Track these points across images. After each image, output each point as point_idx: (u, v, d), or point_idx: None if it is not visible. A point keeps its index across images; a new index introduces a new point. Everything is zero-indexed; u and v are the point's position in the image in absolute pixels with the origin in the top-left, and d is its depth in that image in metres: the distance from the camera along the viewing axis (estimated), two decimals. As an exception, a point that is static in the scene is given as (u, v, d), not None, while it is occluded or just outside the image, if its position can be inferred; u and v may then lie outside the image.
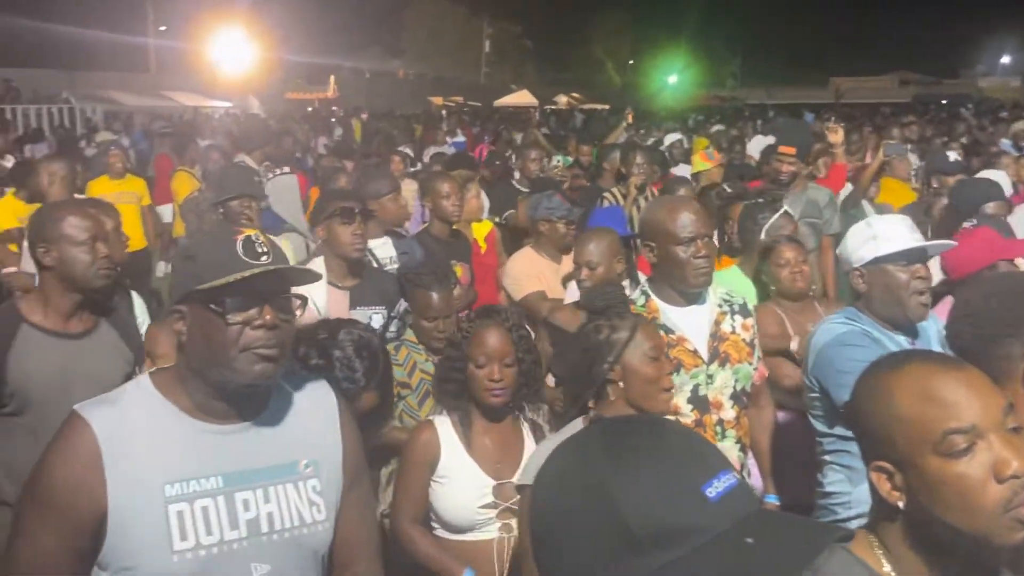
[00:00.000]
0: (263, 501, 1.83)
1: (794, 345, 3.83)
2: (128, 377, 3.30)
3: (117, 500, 1.72)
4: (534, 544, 1.15)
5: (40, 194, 5.73)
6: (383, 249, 4.68)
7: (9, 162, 9.70)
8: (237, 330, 1.76)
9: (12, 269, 5.26)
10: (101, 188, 8.30)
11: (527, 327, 3.12)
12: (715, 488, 1.04)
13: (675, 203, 3.34)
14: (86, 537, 1.72)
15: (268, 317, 1.77)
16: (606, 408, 2.71)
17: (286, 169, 7.63)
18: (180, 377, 1.84)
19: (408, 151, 11.71)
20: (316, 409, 1.99)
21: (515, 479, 2.87)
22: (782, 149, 5.78)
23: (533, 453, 2.82)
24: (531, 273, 4.82)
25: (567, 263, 4.92)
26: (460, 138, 18.65)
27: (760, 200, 4.91)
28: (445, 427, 2.94)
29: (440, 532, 2.95)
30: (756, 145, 9.49)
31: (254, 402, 1.87)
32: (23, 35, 31.95)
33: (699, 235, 3.08)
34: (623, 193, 6.55)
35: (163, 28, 37.78)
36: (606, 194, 6.69)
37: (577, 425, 2.70)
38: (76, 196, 6.00)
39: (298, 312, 1.87)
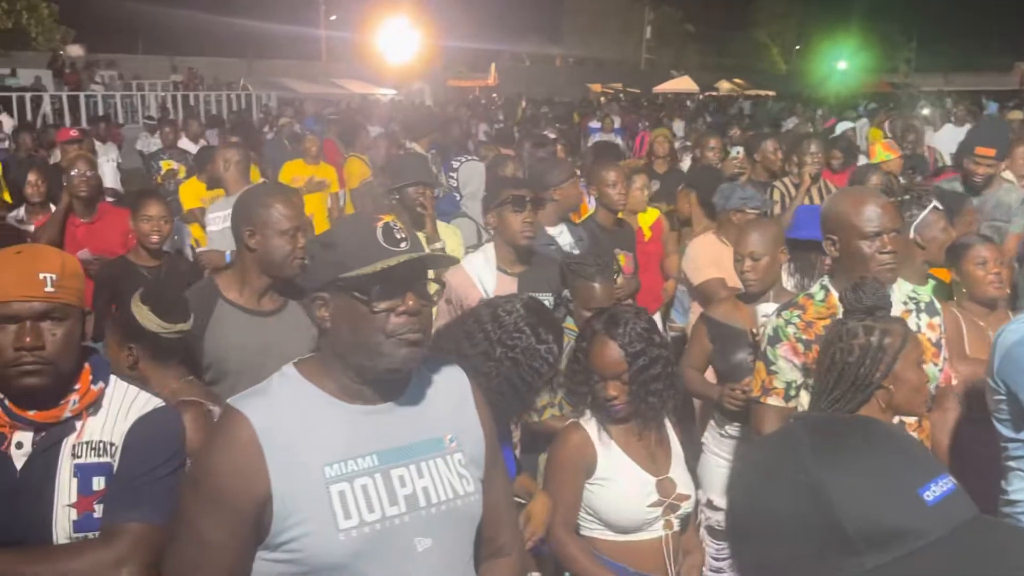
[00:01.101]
0: (417, 476, 1.87)
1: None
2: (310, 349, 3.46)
3: (280, 486, 1.76)
4: (733, 537, 1.14)
5: (217, 179, 6.03)
6: (561, 237, 4.70)
7: (191, 147, 10.30)
8: (383, 317, 1.80)
9: (203, 248, 5.58)
10: (295, 171, 8.66)
11: (660, 332, 3.03)
12: (933, 492, 1.02)
13: (861, 195, 3.21)
14: (249, 525, 1.77)
15: (411, 303, 1.80)
16: (863, 412, 2.64)
17: (473, 156, 7.78)
18: (324, 363, 1.90)
19: (550, 134, 11.72)
20: (451, 388, 2.03)
21: (671, 474, 2.86)
22: (980, 151, 5.43)
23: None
24: (712, 259, 4.75)
25: None
26: (595, 124, 18.53)
27: (907, 196, 4.67)
28: (593, 428, 2.88)
29: (607, 534, 2.87)
30: (947, 136, 8.96)
31: (397, 382, 1.91)
32: (206, 27, 33.87)
33: (885, 229, 2.95)
34: (795, 184, 6.36)
35: (334, 18, 39.20)
36: (776, 184, 6.50)
37: None
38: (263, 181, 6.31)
39: (435, 297, 1.91)
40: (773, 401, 3.09)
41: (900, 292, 3.14)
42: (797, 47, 59.61)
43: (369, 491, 1.81)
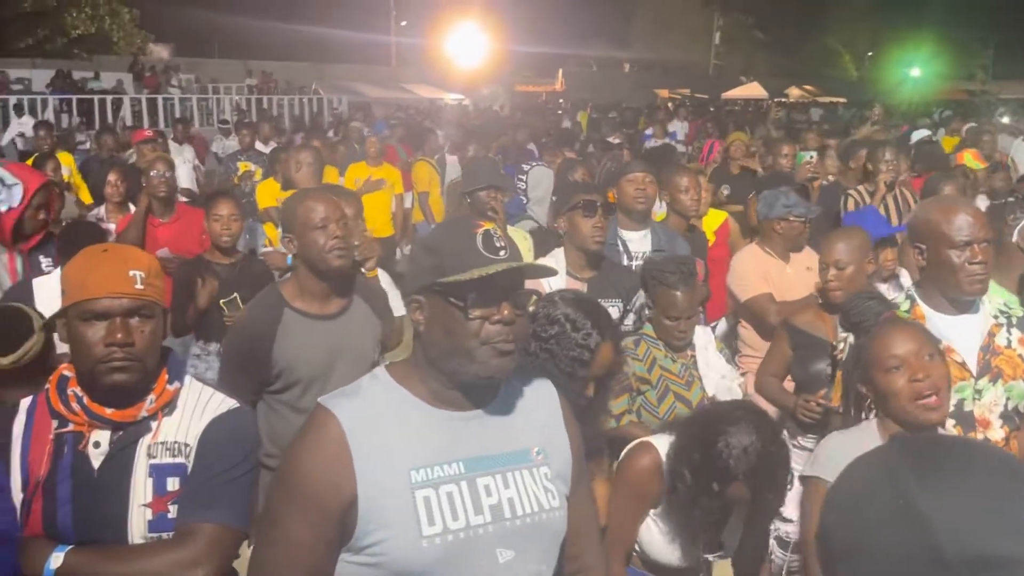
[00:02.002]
0: (503, 487, 1.84)
1: None
2: (377, 345, 3.47)
3: (366, 488, 1.75)
4: (826, 553, 1.11)
5: (290, 180, 6.11)
6: (641, 243, 4.61)
7: (266, 149, 10.45)
8: (477, 324, 1.78)
9: (269, 248, 5.65)
10: (358, 172, 8.76)
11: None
12: None
13: (952, 204, 3.13)
14: (335, 524, 1.76)
15: (506, 312, 1.78)
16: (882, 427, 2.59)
17: (541, 162, 7.78)
18: (416, 366, 1.88)
19: (614, 139, 11.65)
20: (540, 401, 2.00)
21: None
22: None
23: (821, 445, 2.71)
24: (758, 272, 4.65)
25: (796, 262, 4.72)
26: (673, 129, 18.40)
27: (1010, 199, 4.50)
28: (666, 444, 2.73)
29: (637, 561, 2.82)
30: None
31: (487, 391, 1.89)
32: (280, 32, 34.51)
33: (976, 239, 2.86)
34: (870, 191, 6.21)
35: (404, 24, 39.62)
36: (851, 192, 6.36)
37: (870, 427, 2.59)
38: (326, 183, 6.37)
39: (531, 307, 1.88)
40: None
41: (991, 304, 3.03)
42: (869, 53, 58.45)
43: (454, 498, 1.79)
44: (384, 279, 4.28)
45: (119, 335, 2.03)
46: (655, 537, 2.74)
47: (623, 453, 2.87)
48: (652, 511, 2.74)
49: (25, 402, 2.18)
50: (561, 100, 34.83)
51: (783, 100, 40.91)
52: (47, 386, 2.15)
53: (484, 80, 35.02)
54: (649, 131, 16.98)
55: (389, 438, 1.80)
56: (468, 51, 34.72)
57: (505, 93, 33.68)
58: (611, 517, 2.74)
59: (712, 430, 2.54)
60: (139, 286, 2.07)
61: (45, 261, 4.43)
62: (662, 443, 2.74)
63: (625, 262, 4.43)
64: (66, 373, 2.15)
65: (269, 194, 7.23)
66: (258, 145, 11.13)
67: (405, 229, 9.24)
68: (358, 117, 19.10)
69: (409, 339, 4.33)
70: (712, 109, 29.94)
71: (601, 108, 27.02)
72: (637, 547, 2.81)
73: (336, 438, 1.78)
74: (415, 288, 1.86)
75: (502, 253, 1.80)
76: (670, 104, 33.11)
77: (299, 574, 1.79)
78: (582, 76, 44.44)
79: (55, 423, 2.09)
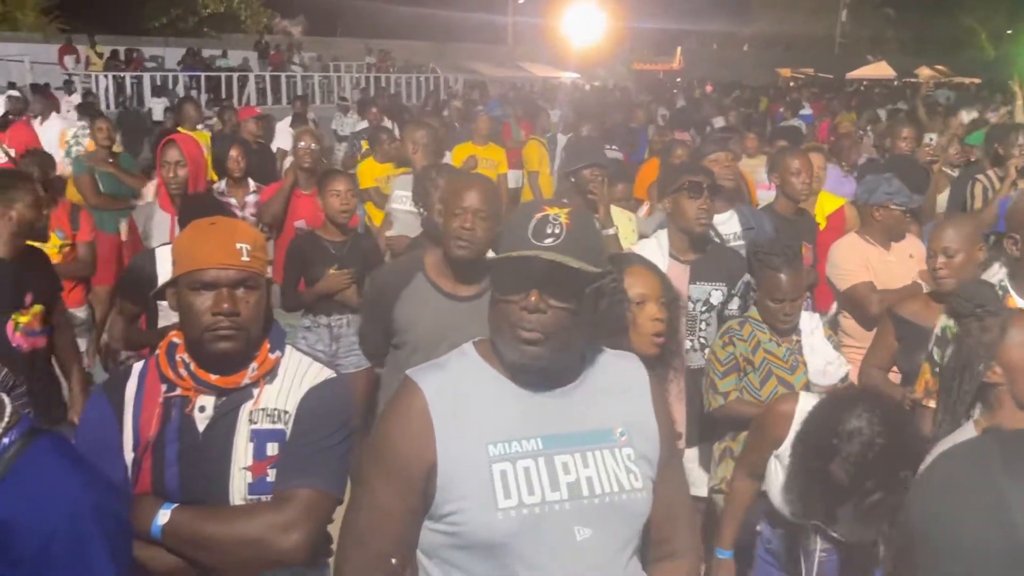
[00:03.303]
0: (582, 465, 1.85)
1: None
2: None
3: (445, 459, 1.80)
4: (909, 547, 1.09)
5: (407, 159, 6.22)
6: (728, 225, 4.58)
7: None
8: (506, 307, 1.81)
9: (391, 232, 5.76)
10: (464, 152, 8.85)
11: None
12: None
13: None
14: (418, 492, 1.82)
15: (532, 300, 1.78)
16: (996, 414, 2.49)
17: (614, 147, 7.72)
18: (493, 339, 1.91)
19: (721, 120, 11.39)
20: (627, 381, 1.99)
21: None
22: None
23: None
24: (858, 261, 4.49)
25: (898, 249, 4.56)
26: (807, 111, 17.90)
27: None
28: (810, 404, 2.81)
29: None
30: None
31: (570, 370, 1.90)
32: (401, 12, 34.99)
33: None
34: (1000, 177, 5.93)
35: (521, 1, 39.62)
36: (979, 178, 6.08)
37: (968, 430, 2.50)
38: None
39: (578, 300, 1.82)
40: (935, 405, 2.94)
41: None
42: (1008, 31, 55.46)
43: (531, 473, 1.81)
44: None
45: (226, 305, 2.11)
46: (775, 482, 2.88)
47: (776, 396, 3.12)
48: (777, 456, 2.90)
49: (137, 366, 2.29)
50: (678, 79, 34.28)
51: (911, 80, 39.21)
52: (157, 351, 2.26)
53: (600, 58, 34.75)
54: (808, 112, 16.59)
55: (469, 411, 1.83)
56: (585, 29, 34.46)
57: (622, 72, 33.35)
58: (747, 440, 3.16)
59: (834, 406, 2.61)
60: (245, 258, 2.15)
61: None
62: (808, 400, 2.86)
63: None
64: (175, 340, 2.25)
65: (369, 173, 7.36)
66: (386, 123, 11.33)
67: (510, 208, 9.28)
68: (472, 96, 19.26)
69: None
70: (837, 89, 28.89)
71: (721, 87, 26.50)
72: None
73: (420, 409, 1.83)
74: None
75: (548, 240, 1.77)
76: (791, 83, 32.25)
77: (385, 538, 1.85)
78: (701, 54, 43.63)
79: (164, 387, 2.20)
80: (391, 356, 3.55)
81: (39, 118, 11.00)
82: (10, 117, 11.67)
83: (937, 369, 2.96)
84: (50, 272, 4.16)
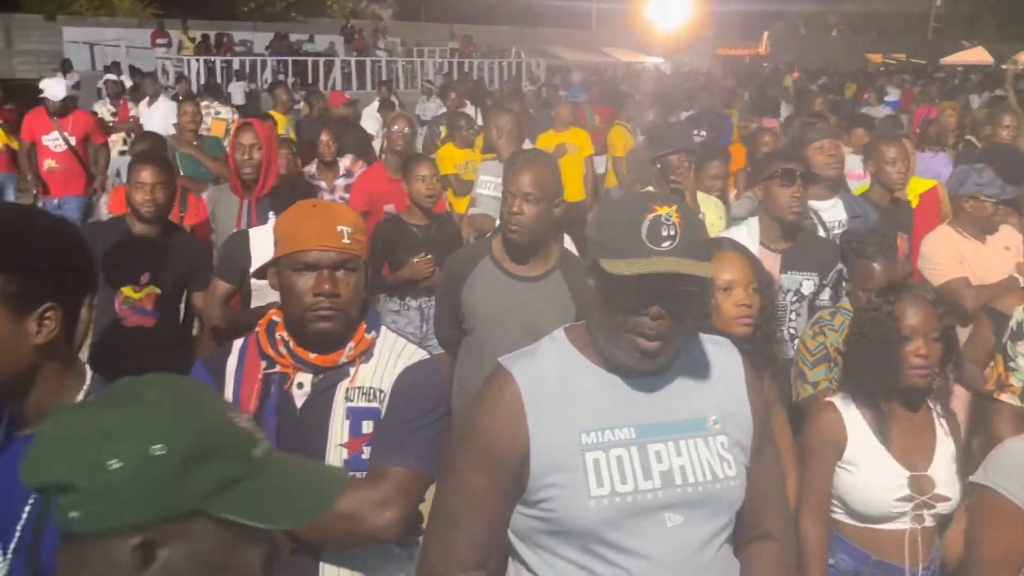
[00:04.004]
0: (675, 454, 1.84)
1: None
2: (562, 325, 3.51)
3: (538, 446, 1.80)
4: None
5: (491, 145, 6.25)
6: (832, 212, 4.48)
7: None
8: (622, 312, 1.78)
9: (475, 210, 5.80)
10: (548, 141, 8.84)
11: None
12: None
13: None
14: (509, 478, 1.83)
15: (654, 309, 1.76)
16: None
17: (701, 131, 7.61)
18: (591, 331, 1.90)
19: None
20: (722, 368, 1.97)
21: (930, 471, 2.70)
22: None
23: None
24: (951, 255, 4.37)
25: (993, 241, 4.41)
26: (892, 97, 17.38)
27: None
28: (851, 411, 2.78)
29: (845, 518, 2.81)
30: None
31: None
32: (482, -4, 34.93)
33: None
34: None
35: (605, -15, 39.27)
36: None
37: None
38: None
39: (695, 302, 1.81)
40: (1008, 398, 2.86)
41: None
42: (1117, 13, 52.94)
43: (624, 462, 1.81)
44: (568, 244, 4.32)
45: (327, 286, 2.15)
46: (855, 484, 2.74)
47: (809, 415, 2.92)
48: (840, 460, 2.77)
49: (237, 343, 2.35)
50: (765, 64, 33.61)
51: (1012, 67, 37.72)
52: (257, 329, 2.32)
53: (685, 43, 34.27)
54: (893, 98, 16.16)
55: (561, 400, 1.83)
56: (669, 13, 33.99)
57: (707, 57, 32.84)
58: (803, 475, 2.82)
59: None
60: (346, 240, 2.19)
61: (272, 212, 4.79)
62: (847, 406, 2.80)
63: (821, 234, 4.30)
64: (275, 318, 2.30)
65: (449, 160, 7.38)
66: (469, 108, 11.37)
67: (596, 193, 9.24)
68: (554, 81, 19.18)
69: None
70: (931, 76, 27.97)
71: (808, 73, 25.89)
72: (840, 506, 2.80)
73: (511, 397, 1.84)
74: (588, 259, 1.88)
75: (666, 244, 1.73)
76: (882, 69, 31.36)
77: (475, 520, 1.87)
78: (788, 39, 42.63)
79: (264, 364, 2.25)
80: (464, 341, 3.61)
81: (147, 99, 11.34)
82: (107, 100, 12.08)
83: (1012, 364, 2.87)
84: (181, 262, 4.24)
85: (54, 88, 8.38)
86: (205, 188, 7.02)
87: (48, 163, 8.33)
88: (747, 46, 40.89)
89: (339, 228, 2.19)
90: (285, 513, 1.15)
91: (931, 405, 2.82)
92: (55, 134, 8.28)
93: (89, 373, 1.77)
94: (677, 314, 1.79)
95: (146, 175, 4.11)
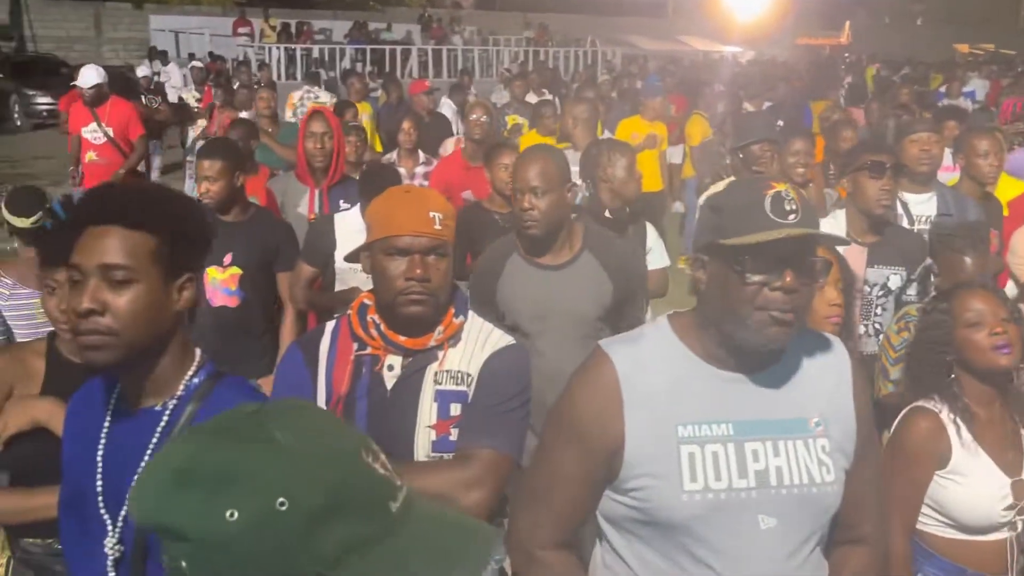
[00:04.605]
0: (772, 454, 1.81)
1: None
2: (601, 304, 3.47)
3: (633, 435, 1.79)
4: None
5: (566, 134, 6.24)
6: (924, 207, 4.38)
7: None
8: (754, 289, 1.73)
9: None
10: (633, 127, 8.80)
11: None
12: None
13: None
14: (601, 463, 1.82)
15: (788, 280, 1.71)
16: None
17: (780, 122, 7.49)
18: (697, 322, 1.87)
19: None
20: (828, 368, 1.92)
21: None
22: None
23: None
24: None
25: None
26: (969, 87, 16.86)
27: None
28: (945, 415, 2.67)
29: (948, 532, 2.70)
30: None
31: (768, 354, 1.84)
32: (559, -16, 34.80)
33: None
34: None
35: (683, -26, 38.78)
36: None
37: None
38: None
39: (820, 279, 1.80)
40: None
41: None
42: None
43: (719, 459, 1.79)
44: (651, 233, 4.32)
45: (418, 271, 2.19)
46: (962, 495, 2.63)
47: (897, 420, 2.78)
48: (943, 471, 2.66)
49: (329, 325, 2.41)
50: (846, 55, 32.85)
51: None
52: (349, 312, 2.37)
53: (763, 31, 33.66)
54: (943, 89, 15.74)
55: (660, 390, 1.82)
56: (748, 1, 33.46)
57: (786, 46, 32.23)
58: (891, 485, 2.58)
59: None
60: (437, 226, 2.23)
61: (342, 200, 4.86)
62: (942, 411, 2.68)
63: (905, 225, 4.21)
64: (366, 301, 2.35)
65: None
66: (528, 97, 11.37)
67: (672, 183, 9.17)
68: (632, 70, 19.03)
69: (675, 292, 4.36)
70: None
71: (891, 64, 25.24)
72: (939, 514, 2.69)
73: (609, 382, 1.83)
74: (698, 246, 1.85)
75: (791, 218, 1.71)
76: (969, 59, 30.43)
77: (563, 502, 1.89)
78: (871, 29, 41.58)
79: (355, 346, 2.30)
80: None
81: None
82: (192, 86, 12.36)
83: None
84: (264, 243, 4.30)
85: (86, 75, 7.90)
86: (272, 175, 7.16)
87: (89, 155, 7.96)
88: (828, 35, 40.00)
89: (431, 214, 2.23)
90: None
91: (1004, 401, 2.73)
92: (93, 125, 7.92)
93: (198, 351, 1.83)
94: (807, 287, 1.76)
95: (203, 167, 4.20)
